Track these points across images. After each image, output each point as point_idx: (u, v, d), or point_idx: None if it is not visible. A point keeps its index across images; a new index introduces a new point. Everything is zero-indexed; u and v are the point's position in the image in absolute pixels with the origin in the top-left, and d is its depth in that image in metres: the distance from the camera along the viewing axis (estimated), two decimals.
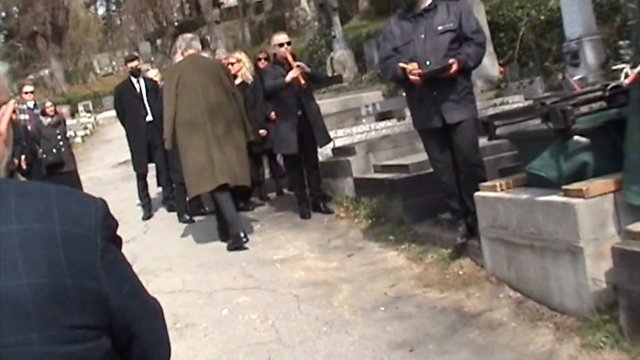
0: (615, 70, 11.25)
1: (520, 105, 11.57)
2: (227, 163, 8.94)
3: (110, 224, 1.56)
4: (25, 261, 1.38)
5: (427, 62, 6.59)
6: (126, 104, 11.87)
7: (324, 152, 11.00)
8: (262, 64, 11.77)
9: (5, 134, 1.60)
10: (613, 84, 5.30)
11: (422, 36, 6.73)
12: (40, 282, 1.38)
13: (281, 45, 9.77)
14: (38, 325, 1.37)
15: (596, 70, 12.02)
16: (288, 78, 9.42)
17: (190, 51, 9.37)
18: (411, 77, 6.58)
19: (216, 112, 8.98)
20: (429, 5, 6.83)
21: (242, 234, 8.85)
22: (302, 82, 9.47)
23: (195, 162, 8.92)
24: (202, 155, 8.86)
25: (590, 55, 12.18)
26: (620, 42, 10.75)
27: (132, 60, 12.25)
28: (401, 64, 6.62)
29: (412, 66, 6.55)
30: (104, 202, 1.58)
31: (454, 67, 6.50)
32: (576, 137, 5.05)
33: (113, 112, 14.74)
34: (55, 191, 1.52)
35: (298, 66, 9.53)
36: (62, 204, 1.48)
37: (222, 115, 9.05)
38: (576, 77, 11.75)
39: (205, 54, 12.60)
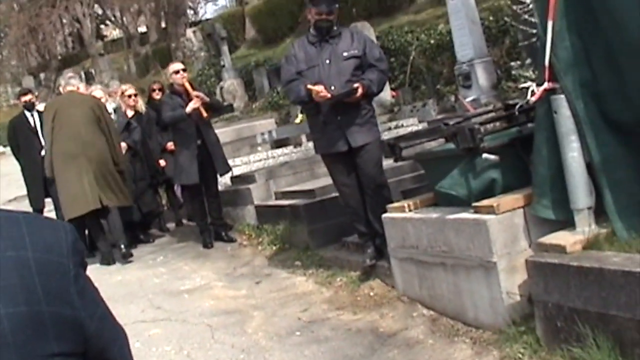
0: (507, 90, 11.64)
1: (415, 128, 11.79)
2: (99, 189, 9.51)
3: (80, 248, 1.55)
4: (2, 291, 1.35)
5: (332, 87, 6.68)
6: (21, 139, 11.69)
7: (223, 181, 10.95)
8: (157, 95, 11.72)
9: None
10: (521, 103, 5.45)
11: (327, 61, 6.83)
12: (18, 311, 1.35)
13: (177, 72, 9.71)
14: (17, 356, 1.34)
15: (488, 91, 12.32)
16: (188, 109, 9.35)
17: (69, 88, 10.13)
18: (318, 97, 6.64)
19: (89, 143, 9.61)
20: (334, 31, 6.95)
21: (124, 249, 9.79)
22: (205, 114, 9.44)
23: (70, 189, 9.54)
24: (76, 182, 9.45)
25: (482, 77, 12.47)
26: (512, 63, 11.08)
27: (25, 94, 12.04)
28: (309, 86, 6.68)
29: (319, 88, 6.62)
30: (72, 227, 1.57)
31: (359, 92, 6.62)
32: (485, 155, 5.18)
33: None
34: (23, 218, 1.49)
35: (197, 96, 9.48)
36: (33, 230, 1.46)
37: (96, 146, 9.66)
38: (469, 99, 12.03)
39: (97, 87, 12.56)
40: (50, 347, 1.39)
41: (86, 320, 1.49)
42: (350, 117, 6.80)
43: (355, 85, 6.63)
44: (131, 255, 9.80)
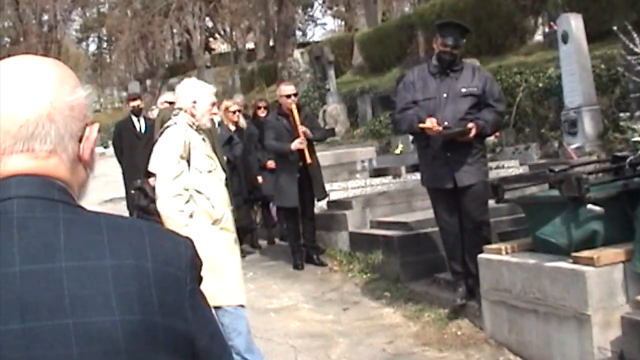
0: (613, 141, 11.43)
1: (516, 170, 11.69)
2: None
3: (197, 264, 1.55)
4: (119, 297, 1.38)
5: (445, 122, 6.62)
6: (125, 142, 11.96)
7: (319, 205, 11.00)
8: (262, 112, 11.88)
9: (90, 158, 1.60)
10: (633, 156, 5.39)
11: (445, 95, 6.75)
12: (132, 319, 1.38)
13: (288, 96, 9.80)
14: None
15: (593, 140, 12.09)
16: (293, 146, 9.47)
17: None
18: (430, 132, 6.62)
19: None
20: (456, 66, 6.89)
21: None
22: (309, 160, 9.59)
23: None
24: None
25: (588, 125, 12.25)
26: (621, 114, 10.86)
27: (134, 99, 12.36)
28: (420, 125, 6.64)
29: (431, 123, 6.56)
30: (192, 241, 1.59)
31: (473, 132, 6.56)
32: (590, 206, 5.12)
33: (98, 149, 14.70)
34: (146, 227, 1.51)
35: (304, 132, 9.53)
36: (154, 241, 1.48)
37: None
38: (573, 146, 11.84)
39: None
40: (160, 358, 1.42)
41: (197, 336, 1.50)
42: (460, 155, 6.70)
43: (470, 125, 6.55)
44: None
